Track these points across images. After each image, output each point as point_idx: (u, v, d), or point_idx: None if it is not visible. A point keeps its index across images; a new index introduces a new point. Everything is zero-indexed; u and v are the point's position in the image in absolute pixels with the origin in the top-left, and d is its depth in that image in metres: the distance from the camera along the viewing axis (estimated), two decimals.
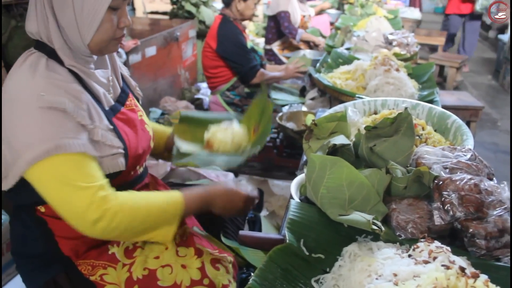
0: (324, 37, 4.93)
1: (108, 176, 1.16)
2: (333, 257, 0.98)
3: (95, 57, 1.24)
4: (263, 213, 2.40)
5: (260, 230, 2.10)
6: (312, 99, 3.41)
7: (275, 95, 3.44)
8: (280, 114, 2.76)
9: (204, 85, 4.12)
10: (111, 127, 1.20)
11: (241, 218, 1.81)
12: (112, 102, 1.26)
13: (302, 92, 3.60)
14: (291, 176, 1.58)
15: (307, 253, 0.96)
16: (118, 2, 1.15)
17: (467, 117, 3.54)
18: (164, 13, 4.65)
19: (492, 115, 4.98)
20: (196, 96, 3.86)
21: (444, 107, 3.42)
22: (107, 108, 1.22)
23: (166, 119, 3.18)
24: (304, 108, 3.06)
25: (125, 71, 1.45)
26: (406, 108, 1.21)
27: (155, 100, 3.54)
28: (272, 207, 2.52)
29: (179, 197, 1.22)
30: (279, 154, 2.79)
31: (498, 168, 3.76)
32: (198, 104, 3.75)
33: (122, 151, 1.21)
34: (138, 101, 1.46)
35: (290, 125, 2.68)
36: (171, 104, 3.46)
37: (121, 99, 1.32)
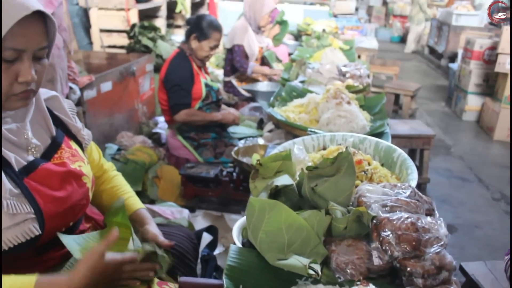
0: (280, 61, 5.00)
1: (26, 242, 1.10)
2: None
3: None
4: (219, 250, 2.38)
5: (214, 269, 2.08)
6: (270, 131, 3.43)
7: (232, 128, 3.45)
8: (235, 148, 2.77)
9: (162, 119, 4.10)
10: (16, 191, 1.09)
11: (194, 257, 1.79)
12: (25, 162, 1.15)
13: (260, 125, 3.63)
14: None
15: None
16: (11, 54, 1.04)
17: (420, 145, 3.64)
18: (122, 47, 4.64)
19: (446, 142, 5.13)
20: (154, 131, 3.84)
21: (398, 136, 3.54)
22: (17, 169, 1.12)
23: (123, 155, 3.14)
24: (260, 141, 3.08)
25: (68, 112, 1.36)
26: (346, 148, 1.24)
27: (112, 136, 3.50)
28: (228, 242, 2.50)
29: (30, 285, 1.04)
30: (235, 188, 2.79)
31: (452, 193, 3.87)
32: (156, 139, 3.72)
33: (32, 215, 1.11)
34: (81, 146, 1.39)
35: (246, 159, 2.68)
36: (127, 140, 3.42)
37: (47, 153, 1.23)
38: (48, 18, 1.11)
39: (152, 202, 2.93)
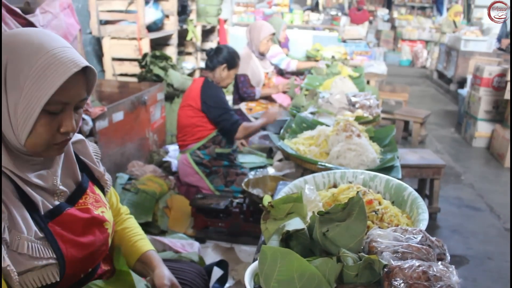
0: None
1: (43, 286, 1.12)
2: None
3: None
4: (229, 284, 2.38)
5: None
6: (280, 160, 3.45)
7: (241, 158, 3.47)
8: (246, 180, 2.78)
9: (172, 148, 4.14)
10: (41, 235, 1.12)
11: None
12: (51, 206, 1.18)
13: (270, 154, 3.65)
14: (258, 241, 1.61)
15: None
16: (57, 107, 1.10)
17: (430, 175, 3.63)
18: (133, 75, 4.71)
19: (456, 169, 5.11)
20: (164, 159, 3.87)
21: (407, 166, 3.54)
22: (43, 213, 1.15)
23: (133, 185, 3.17)
24: (271, 171, 3.09)
25: (93, 156, 1.39)
26: (357, 192, 1.25)
27: (123, 165, 3.53)
28: (238, 275, 2.50)
29: None
30: (245, 219, 2.80)
31: (463, 223, 3.84)
32: (166, 167, 3.75)
33: (54, 261, 1.13)
34: (103, 191, 1.41)
35: (256, 191, 2.70)
36: (138, 169, 3.45)
37: (72, 198, 1.25)
38: (89, 70, 1.15)
39: (163, 232, 2.94)
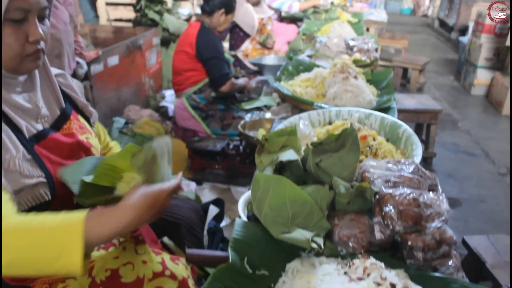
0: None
1: (37, 207, 1.13)
2: (278, 273, 1.01)
3: (20, 78, 1.17)
4: (225, 222, 2.42)
5: (221, 241, 2.12)
6: (277, 104, 3.44)
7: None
8: (242, 122, 2.78)
9: (168, 93, 4.12)
10: (29, 156, 1.12)
11: (201, 229, 1.83)
12: (35, 131, 1.18)
13: None
14: None
15: (251, 271, 0.98)
16: (17, 14, 1.07)
17: (427, 119, 3.64)
18: (128, 21, 4.62)
19: (453, 116, 5.11)
20: (161, 104, 3.85)
21: (404, 110, 3.54)
22: (27, 137, 1.15)
23: (130, 129, 3.17)
24: (267, 115, 3.09)
25: (76, 89, 1.39)
26: (351, 124, 1.25)
27: (119, 109, 3.52)
28: (234, 214, 2.54)
29: (79, 218, 0.96)
30: (242, 161, 2.82)
31: (459, 168, 3.88)
32: (163, 112, 3.74)
33: (43, 179, 1.14)
34: (88, 121, 1.42)
35: (252, 133, 2.70)
36: (135, 113, 3.44)
37: (57, 123, 1.26)
38: None
39: None
